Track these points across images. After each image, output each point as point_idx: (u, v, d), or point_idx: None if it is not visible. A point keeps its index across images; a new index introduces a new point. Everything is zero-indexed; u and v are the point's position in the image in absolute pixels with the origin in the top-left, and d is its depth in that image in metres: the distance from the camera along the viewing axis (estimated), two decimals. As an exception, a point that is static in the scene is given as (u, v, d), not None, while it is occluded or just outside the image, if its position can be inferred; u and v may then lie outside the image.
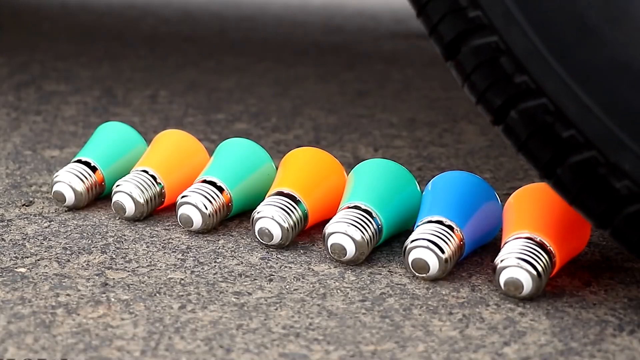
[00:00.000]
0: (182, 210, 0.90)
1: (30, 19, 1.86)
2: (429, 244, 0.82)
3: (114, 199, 0.92)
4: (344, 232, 0.84)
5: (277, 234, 0.87)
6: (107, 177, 0.96)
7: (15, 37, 1.67)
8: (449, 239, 0.83)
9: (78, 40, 1.69)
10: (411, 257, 0.83)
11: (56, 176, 0.94)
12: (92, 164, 0.95)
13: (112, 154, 0.97)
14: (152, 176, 0.93)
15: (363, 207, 0.85)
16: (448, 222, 0.83)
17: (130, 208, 0.92)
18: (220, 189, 0.90)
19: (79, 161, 0.96)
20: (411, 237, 0.83)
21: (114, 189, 0.92)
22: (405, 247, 0.83)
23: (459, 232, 0.83)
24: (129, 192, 0.91)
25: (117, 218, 0.93)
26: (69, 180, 0.94)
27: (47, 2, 2.03)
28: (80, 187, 0.94)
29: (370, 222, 0.85)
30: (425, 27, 0.74)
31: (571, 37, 0.69)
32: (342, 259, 0.85)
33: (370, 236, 0.84)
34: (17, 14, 1.88)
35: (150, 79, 1.46)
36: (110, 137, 0.99)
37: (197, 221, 0.90)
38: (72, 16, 1.90)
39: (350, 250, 0.84)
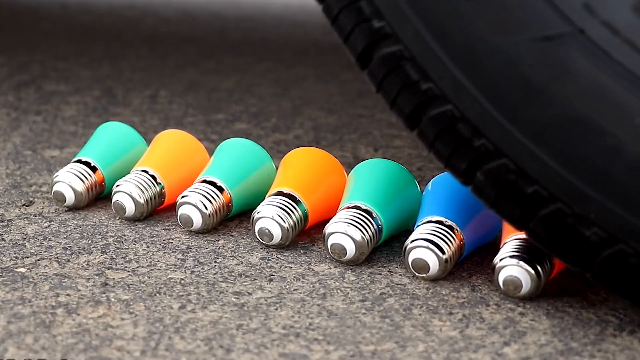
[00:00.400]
0: (182, 210, 0.90)
1: (30, 19, 1.86)
2: (429, 244, 0.82)
3: (114, 199, 0.92)
4: (344, 232, 0.84)
5: (277, 234, 0.87)
6: (107, 177, 0.96)
7: (15, 37, 1.67)
8: (449, 239, 0.83)
9: (78, 40, 1.69)
10: (411, 257, 0.83)
11: (56, 176, 0.94)
12: (92, 164, 0.95)
13: (112, 153, 0.97)
14: (152, 176, 0.93)
15: (363, 207, 0.85)
16: (448, 223, 0.83)
17: (130, 208, 0.92)
18: (220, 189, 0.90)
19: (79, 161, 0.96)
20: (411, 237, 0.83)
21: (114, 189, 0.92)
22: (405, 247, 0.83)
23: (459, 232, 0.83)
24: (129, 192, 0.91)
25: (117, 218, 0.93)
26: (69, 180, 0.94)
27: (47, 2, 2.03)
28: (80, 187, 0.94)
29: (370, 222, 0.85)
30: (385, 102, 0.77)
31: (519, 98, 0.71)
32: (342, 259, 0.85)
33: (370, 236, 0.84)
34: (17, 14, 1.88)
35: (150, 79, 1.46)
36: (110, 137, 0.99)
37: (197, 221, 0.90)
38: (72, 16, 1.90)
39: (350, 250, 0.84)
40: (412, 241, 0.83)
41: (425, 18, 0.73)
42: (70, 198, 0.94)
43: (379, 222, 0.85)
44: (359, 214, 0.85)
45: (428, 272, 0.83)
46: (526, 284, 0.80)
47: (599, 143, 0.69)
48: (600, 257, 0.72)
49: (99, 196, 0.97)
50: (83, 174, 0.94)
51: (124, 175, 0.95)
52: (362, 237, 0.84)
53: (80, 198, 0.94)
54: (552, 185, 0.71)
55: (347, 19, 0.76)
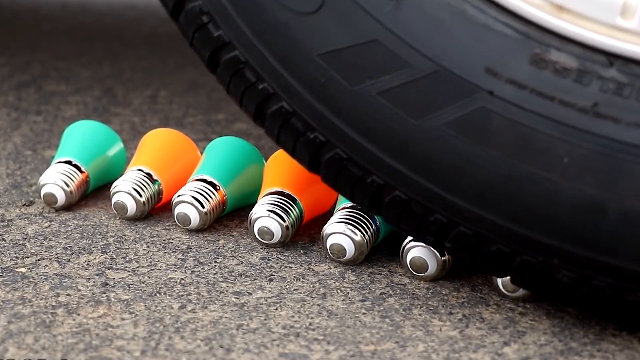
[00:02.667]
0: (178, 209, 0.90)
1: (31, 19, 1.85)
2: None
3: (114, 199, 0.92)
4: (343, 232, 0.84)
5: (277, 232, 0.87)
6: (90, 173, 0.96)
7: (15, 37, 1.67)
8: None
9: (78, 40, 1.69)
10: (409, 257, 0.83)
11: (42, 179, 0.94)
12: (73, 162, 0.95)
13: (90, 151, 0.97)
14: (148, 174, 0.93)
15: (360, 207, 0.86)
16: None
17: (131, 207, 0.92)
18: (215, 186, 0.91)
19: (59, 162, 0.96)
20: (409, 238, 0.83)
21: (112, 189, 0.92)
22: (403, 248, 0.83)
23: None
24: (129, 192, 0.91)
25: (118, 218, 0.94)
26: (55, 181, 0.94)
27: (47, 2, 2.03)
28: (70, 185, 0.94)
29: (368, 221, 0.85)
30: (235, 102, 0.83)
31: (452, 173, 0.74)
32: (342, 259, 0.85)
33: (369, 236, 0.84)
34: (18, 14, 1.88)
35: (150, 79, 1.46)
36: (83, 136, 0.99)
37: (195, 219, 0.90)
38: (72, 16, 1.90)
39: (350, 250, 0.84)
40: (410, 241, 0.83)
41: (267, 43, 0.78)
42: (61, 198, 0.94)
43: (377, 222, 0.86)
44: (357, 214, 0.85)
45: (427, 271, 0.83)
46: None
47: (539, 189, 0.72)
48: (581, 292, 0.74)
49: (85, 194, 0.96)
50: (69, 174, 0.94)
51: (107, 171, 0.96)
52: (361, 236, 0.84)
53: (71, 197, 0.94)
54: (513, 242, 0.74)
55: (189, 26, 0.82)
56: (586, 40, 0.72)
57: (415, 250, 0.82)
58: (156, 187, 0.93)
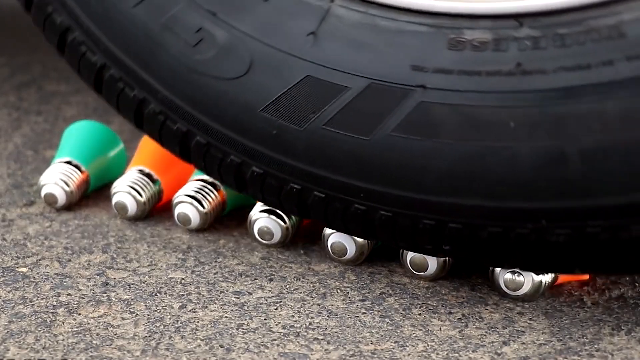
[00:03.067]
0: (179, 209, 0.90)
1: (31, 19, 1.85)
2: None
3: (115, 199, 0.92)
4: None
5: (277, 232, 0.87)
6: (90, 172, 0.96)
7: (15, 37, 1.67)
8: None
9: (79, 41, 1.69)
10: (409, 256, 0.83)
11: (43, 179, 0.94)
12: (73, 162, 0.96)
13: (90, 150, 0.98)
14: (148, 174, 0.93)
15: None
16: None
17: (132, 207, 0.92)
18: (215, 186, 0.91)
19: (59, 162, 0.96)
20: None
21: (113, 189, 0.93)
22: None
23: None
24: (129, 192, 0.92)
25: (118, 218, 0.94)
26: (55, 181, 0.94)
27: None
28: (70, 185, 0.94)
29: None
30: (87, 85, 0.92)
31: (426, 183, 0.77)
32: (342, 258, 0.85)
33: None
34: (18, 14, 1.88)
35: (150, 79, 1.46)
36: (83, 135, 0.99)
37: (195, 218, 0.90)
38: (72, 16, 1.90)
39: (351, 249, 0.84)
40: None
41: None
42: (61, 198, 0.94)
43: None
44: None
45: (426, 270, 0.83)
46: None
47: (499, 159, 0.73)
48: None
49: (85, 193, 0.97)
50: (69, 173, 0.94)
51: (108, 171, 0.97)
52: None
53: (71, 197, 0.94)
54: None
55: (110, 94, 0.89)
56: (492, 12, 0.75)
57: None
58: (156, 187, 0.93)
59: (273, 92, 0.79)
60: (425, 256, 0.82)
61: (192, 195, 0.90)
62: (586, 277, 0.83)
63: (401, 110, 0.76)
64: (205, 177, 0.91)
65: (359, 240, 0.84)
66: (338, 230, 0.83)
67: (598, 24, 0.72)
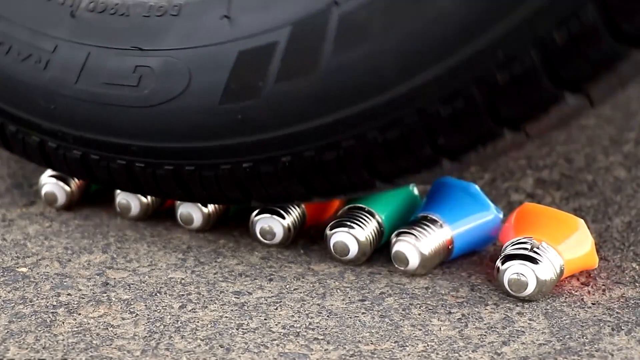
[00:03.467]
0: (182, 209, 0.90)
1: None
2: (408, 236, 0.83)
3: (118, 199, 0.92)
4: (348, 231, 0.84)
5: (278, 232, 0.87)
6: None
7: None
8: (426, 230, 0.83)
9: (79, 40, 1.69)
10: (393, 249, 0.83)
11: (43, 178, 0.94)
12: None
13: None
14: None
15: (366, 208, 0.86)
16: (431, 216, 0.84)
17: (135, 207, 0.92)
18: None
19: None
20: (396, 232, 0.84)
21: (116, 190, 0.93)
22: (390, 241, 0.84)
23: (445, 226, 0.84)
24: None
25: (118, 218, 0.94)
26: (55, 180, 0.94)
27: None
28: (70, 185, 0.94)
29: (372, 223, 0.85)
30: None
31: None
32: (343, 258, 0.85)
33: (373, 237, 0.85)
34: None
35: (151, 79, 1.46)
36: None
37: (198, 219, 0.90)
38: (73, 16, 1.90)
39: (353, 249, 0.84)
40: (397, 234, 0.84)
41: None
42: (61, 198, 0.94)
43: (381, 224, 0.86)
44: (362, 214, 0.85)
45: (407, 265, 0.83)
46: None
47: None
48: None
49: (86, 193, 0.97)
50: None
51: None
52: (365, 237, 0.84)
53: (71, 197, 0.94)
54: None
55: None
56: None
57: (399, 244, 0.83)
58: None
59: None
60: (404, 249, 0.83)
61: None
62: (592, 266, 0.83)
63: None
64: None
65: (362, 240, 0.84)
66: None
67: None
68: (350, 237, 0.84)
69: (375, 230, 0.85)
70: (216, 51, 0.80)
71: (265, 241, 0.88)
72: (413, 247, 0.83)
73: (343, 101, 0.75)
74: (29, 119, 0.88)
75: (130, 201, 0.92)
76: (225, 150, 0.80)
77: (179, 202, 0.90)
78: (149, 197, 0.92)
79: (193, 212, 0.90)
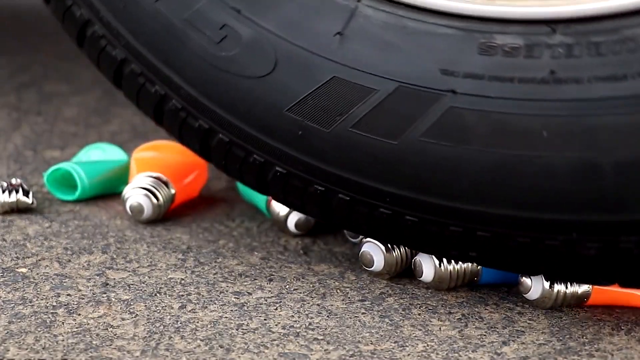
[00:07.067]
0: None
1: (31, 19, 1.86)
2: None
3: (131, 201, 0.92)
4: (376, 243, 0.83)
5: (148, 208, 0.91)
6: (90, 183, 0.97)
7: (16, 38, 1.67)
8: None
9: (79, 41, 1.69)
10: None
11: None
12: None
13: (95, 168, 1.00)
14: (165, 182, 0.93)
15: None
16: None
17: (148, 209, 0.92)
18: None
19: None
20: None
21: (130, 191, 0.92)
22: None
23: None
24: (147, 195, 0.92)
25: (118, 218, 0.94)
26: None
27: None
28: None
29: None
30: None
31: (440, 181, 0.75)
32: (369, 268, 0.84)
33: (398, 255, 0.84)
34: (18, 15, 1.88)
35: (150, 80, 1.46)
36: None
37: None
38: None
39: (379, 263, 0.83)
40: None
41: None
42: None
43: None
44: None
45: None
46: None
47: (531, 168, 0.72)
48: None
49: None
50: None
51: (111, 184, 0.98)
52: (394, 254, 0.83)
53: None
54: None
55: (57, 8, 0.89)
56: (524, 16, 0.74)
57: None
58: (171, 194, 0.94)
59: (299, 93, 0.78)
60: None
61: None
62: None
63: (430, 115, 0.74)
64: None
65: (388, 255, 0.83)
66: (362, 234, 0.83)
67: (634, 33, 0.70)
68: (378, 251, 0.83)
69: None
70: (309, 59, 0.78)
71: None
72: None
73: None
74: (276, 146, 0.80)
75: (142, 203, 0.92)
76: None
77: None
78: (160, 199, 0.92)
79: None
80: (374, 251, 0.83)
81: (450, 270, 0.81)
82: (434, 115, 0.74)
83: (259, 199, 0.92)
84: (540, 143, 0.72)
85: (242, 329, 0.76)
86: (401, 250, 0.83)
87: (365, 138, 0.76)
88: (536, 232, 0.73)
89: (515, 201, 0.73)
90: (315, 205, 0.80)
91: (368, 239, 0.83)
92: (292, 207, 0.83)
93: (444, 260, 0.81)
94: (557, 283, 0.78)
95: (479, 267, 0.81)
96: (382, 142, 0.76)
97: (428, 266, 0.81)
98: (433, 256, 0.81)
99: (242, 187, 0.96)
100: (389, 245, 0.82)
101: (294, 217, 0.89)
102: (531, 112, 0.72)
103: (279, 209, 0.90)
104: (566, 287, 0.78)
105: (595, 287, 0.79)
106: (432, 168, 0.74)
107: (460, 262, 0.81)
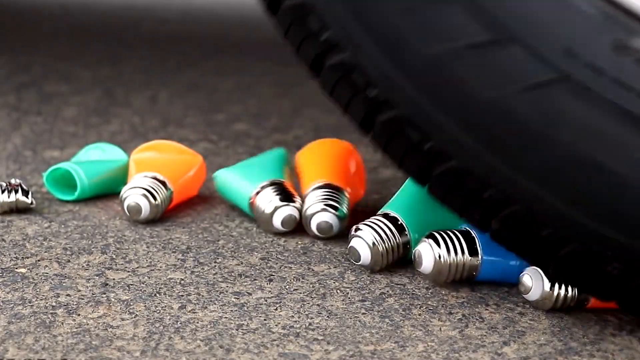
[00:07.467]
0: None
1: (31, 19, 1.86)
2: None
3: (129, 201, 0.92)
4: (361, 237, 0.84)
5: (335, 225, 0.90)
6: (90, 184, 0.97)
7: (15, 38, 1.67)
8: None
9: (78, 41, 1.70)
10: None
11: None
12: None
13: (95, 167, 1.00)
14: (163, 182, 0.93)
15: (400, 220, 0.85)
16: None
17: (145, 209, 0.92)
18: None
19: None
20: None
21: (128, 191, 0.92)
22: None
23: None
24: (146, 195, 0.92)
25: (117, 219, 0.94)
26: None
27: (47, 2, 2.03)
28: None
29: (395, 234, 0.85)
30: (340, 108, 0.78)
31: (519, 146, 0.70)
32: (358, 263, 0.84)
33: (388, 247, 0.84)
34: (18, 15, 1.88)
35: (150, 80, 1.46)
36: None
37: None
38: (72, 17, 1.90)
39: (365, 256, 0.84)
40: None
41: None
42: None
43: (407, 236, 0.85)
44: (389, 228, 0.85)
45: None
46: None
47: (604, 181, 0.69)
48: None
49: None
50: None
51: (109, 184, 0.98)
52: (381, 246, 0.84)
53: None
54: (564, 227, 0.71)
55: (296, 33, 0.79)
56: None
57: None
58: (168, 194, 0.94)
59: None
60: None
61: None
62: None
63: (538, 84, 0.68)
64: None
65: (375, 248, 0.84)
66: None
67: None
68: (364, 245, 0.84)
69: (393, 242, 0.84)
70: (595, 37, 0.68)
71: (322, 236, 0.90)
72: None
73: None
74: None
75: (139, 203, 0.92)
76: None
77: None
78: (158, 199, 0.92)
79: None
80: (360, 246, 0.84)
81: (450, 263, 0.81)
82: (541, 85, 0.68)
83: (241, 198, 0.93)
84: (626, 161, 0.67)
85: (242, 329, 0.76)
86: (386, 244, 0.83)
87: (468, 77, 0.69)
88: (573, 233, 0.70)
89: (573, 200, 0.69)
90: None
91: (355, 234, 0.84)
92: None
93: (444, 252, 0.80)
94: (557, 284, 0.78)
95: (477, 262, 0.81)
96: (479, 88, 0.69)
97: (428, 258, 0.81)
98: (433, 248, 0.81)
99: (222, 187, 0.95)
100: (375, 240, 0.83)
101: (280, 215, 0.90)
102: (634, 130, 0.67)
103: (264, 206, 0.90)
104: (567, 290, 0.78)
105: None
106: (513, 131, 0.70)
107: (459, 255, 0.81)
